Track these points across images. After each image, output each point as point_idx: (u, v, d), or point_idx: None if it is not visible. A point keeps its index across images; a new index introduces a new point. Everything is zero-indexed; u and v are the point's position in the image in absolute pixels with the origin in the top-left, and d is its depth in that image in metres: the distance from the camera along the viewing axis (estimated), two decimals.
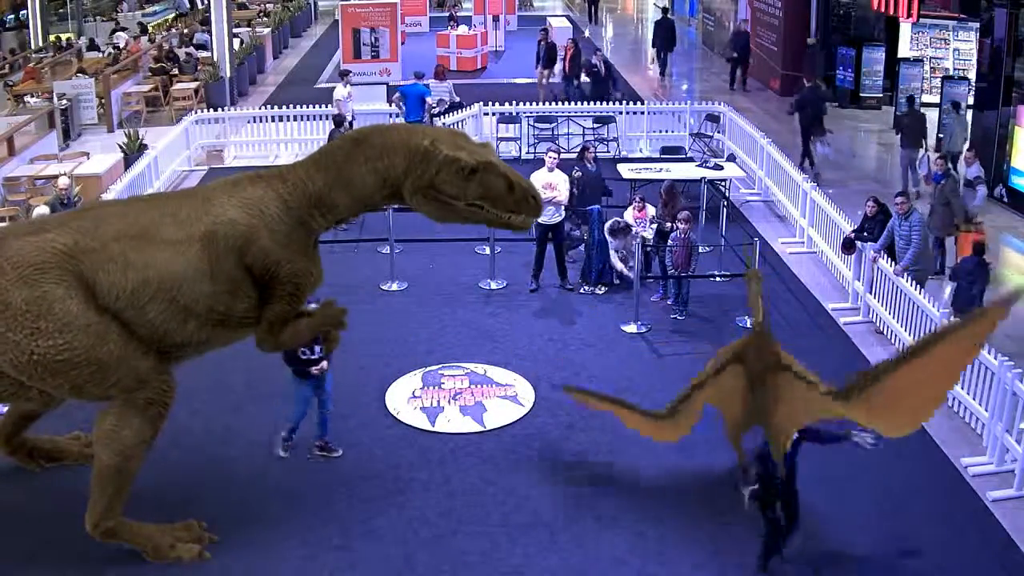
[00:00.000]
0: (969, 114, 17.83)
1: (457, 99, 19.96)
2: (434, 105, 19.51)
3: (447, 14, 30.09)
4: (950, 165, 14.31)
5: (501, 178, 7.66)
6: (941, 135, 17.52)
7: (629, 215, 13.13)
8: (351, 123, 17.99)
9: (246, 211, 7.72)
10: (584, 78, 21.46)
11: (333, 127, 15.84)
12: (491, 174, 7.64)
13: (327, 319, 8.58)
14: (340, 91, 18.34)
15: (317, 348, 8.92)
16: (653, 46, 27.55)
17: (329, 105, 19.29)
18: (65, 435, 9.25)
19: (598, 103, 19.83)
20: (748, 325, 8.67)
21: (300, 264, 7.88)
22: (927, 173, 14.92)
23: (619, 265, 12.82)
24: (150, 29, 32.75)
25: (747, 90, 24.79)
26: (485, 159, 7.66)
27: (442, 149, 7.60)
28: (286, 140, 19.38)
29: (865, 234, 12.20)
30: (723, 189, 15.60)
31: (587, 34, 34.38)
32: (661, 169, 15.56)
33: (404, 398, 10.39)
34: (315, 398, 9.22)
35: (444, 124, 18.56)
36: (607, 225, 12.97)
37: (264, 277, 7.81)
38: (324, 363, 9.01)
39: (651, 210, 13.04)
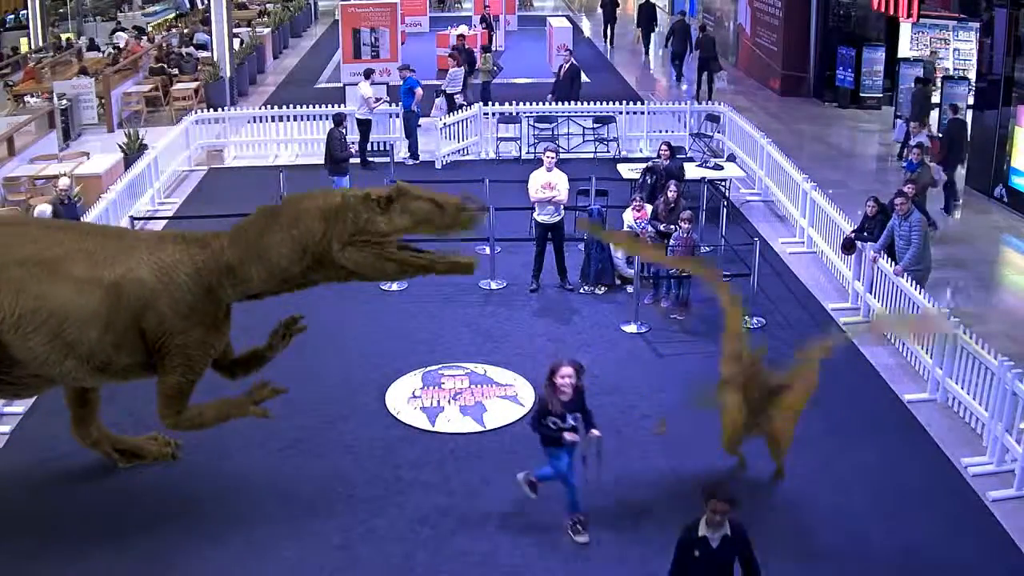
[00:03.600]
0: (970, 115, 17.88)
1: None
2: (457, 92, 20.21)
3: (479, 15, 30.17)
4: (925, 157, 14.75)
5: (423, 200, 7.48)
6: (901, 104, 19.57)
7: (628, 216, 13.14)
8: (368, 121, 18.19)
9: (157, 273, 7.68)
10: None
11: (332, 126, 15.83)
12: (410, 198, 7.47)
13: (234, 409, 8.37)
14: (366, 89, 18.35)
15: (570, 417, 7.83)
16: (638, 26, 30.80)
17: (330, 105, 19.35)
18: (143, 436, 9.31)
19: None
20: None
21: (194, 335, 7.79)
22: (900, 140, 17.22)
23: (628, 270, 12.82)
24: (149, 29, 32.74)
25: (712, 100, 21.95)
26: (396, 187, 7.54)
27: (353, 195, 7.51)
28: (286, 140, 19.38)
29: (865, 234, 12.20)
30: (723, 189, 15.60)
31: (586, 33, 34.42)
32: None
33: (404, 398, 10.39)
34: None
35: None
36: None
37: (155, 343, 7.77)
38: (575, 435, 7.84)
39: (650, 209, 13.05)
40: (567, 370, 7.77)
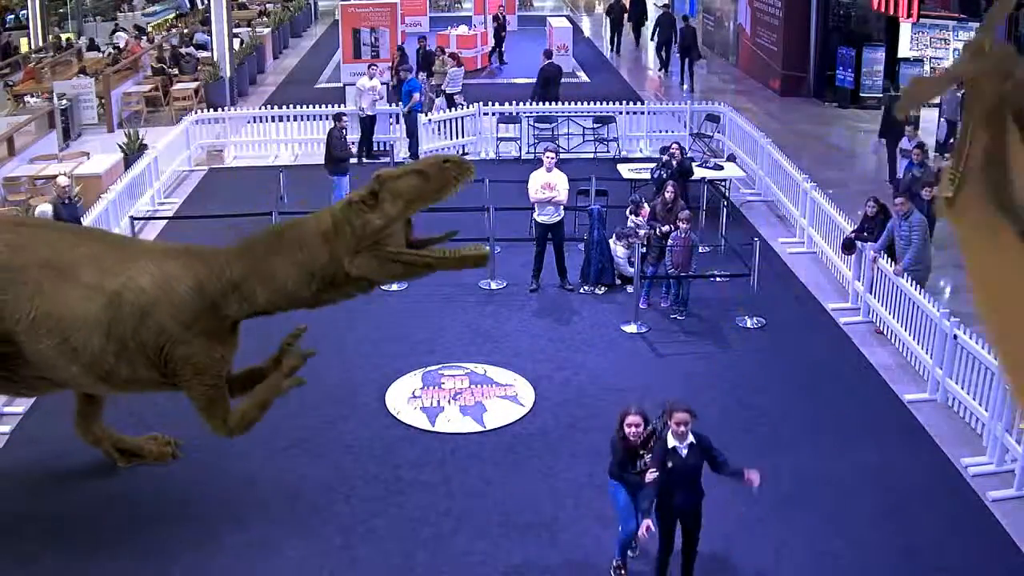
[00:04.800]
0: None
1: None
2: (457, 92, 20.56)
3: (492, 14, 30.15)
4: (926, 158, 14.74)
5: (405, 176, 7.26)
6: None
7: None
8: (371, 118, 18.20)
9: (158, 282, 7.66)
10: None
11: (332, 126, 15.83)
12: (392, 180, 7.24)
13: (272, 393, 8.18)
14: (365, 81, 18.41)
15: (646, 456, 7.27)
16: (629, 20, 32.13)
17: (330, 105, 19.37)
18: (143, 436, 9.33)
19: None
20: None
21: (197, 345, 7.72)
22: (942, 140, 16.91)
23: (628, 270, 12.81)
24: (149, 29, 32.75)
25: (693, 87, 25.20)
26: (375, 178, 7.33)
27: (340, 209, 7.43)
28: (286, 140, 19.38)
29: (865, 234, 12.19)
30: (723, 189, 15.61)
31: (586, 33, 34.42)
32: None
33: (404, 398, 10.40)
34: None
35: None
36: (618, 233, 12.98)
37: (158, 354, 7.70)
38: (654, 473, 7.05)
39: (648, 208, 13.06)
40: (634, 419, 7.26)
